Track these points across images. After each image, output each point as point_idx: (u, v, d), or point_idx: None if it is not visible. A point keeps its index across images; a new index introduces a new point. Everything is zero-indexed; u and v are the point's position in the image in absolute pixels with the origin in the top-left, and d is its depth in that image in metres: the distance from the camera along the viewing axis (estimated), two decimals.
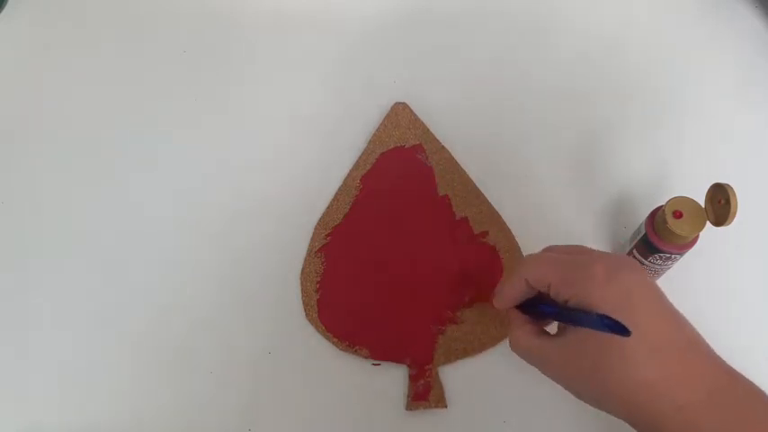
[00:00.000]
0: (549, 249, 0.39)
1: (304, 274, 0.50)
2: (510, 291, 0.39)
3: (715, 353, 0.34)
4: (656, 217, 0.45)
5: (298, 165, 0.54)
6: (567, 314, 0.36)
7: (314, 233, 0.51)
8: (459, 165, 0.53)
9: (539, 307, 0.38)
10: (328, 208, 0.52)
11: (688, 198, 0.44)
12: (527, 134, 0.56)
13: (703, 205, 0.43)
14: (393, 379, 0.47)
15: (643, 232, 0.45)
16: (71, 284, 0.50)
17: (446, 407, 0.45)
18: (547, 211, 0.52)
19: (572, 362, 0.35)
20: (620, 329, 0.31)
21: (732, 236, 0.46)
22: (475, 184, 0.53)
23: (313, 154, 0.54)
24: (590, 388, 0.34)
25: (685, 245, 0.45)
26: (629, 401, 0.33)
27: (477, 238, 0.51)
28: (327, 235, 0.51)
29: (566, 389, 0.36)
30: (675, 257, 0.45)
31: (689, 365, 0.33)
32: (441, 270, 0.50)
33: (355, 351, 0.47)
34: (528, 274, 0.37)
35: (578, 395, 0.36)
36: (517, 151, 0.55)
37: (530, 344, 0.37)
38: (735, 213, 0.41)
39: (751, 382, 0.34)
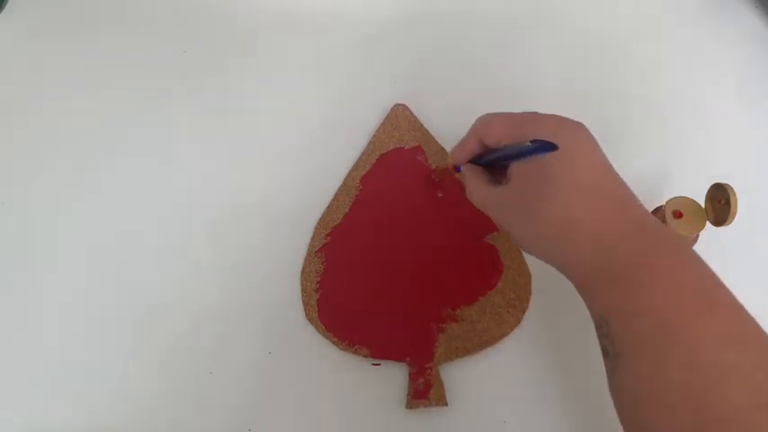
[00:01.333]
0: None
1: (304, 274, 0.50)
2: (464, 147, 0.42)
3: (645, 209, 0.37)
4: (656, 217, 0.45)
5: (298, 165, 0.54)
6: (506, 152, 0.39)
7: (314, 233, 0.51)
8: None
9: (486, 156, 0.41)
10: (328, 208, 0.52)
11: (688, 198, 0.44)
12: None
13: (703, 205, 0.43)
14: (393, 378, 0.47)
15: None
16: (71, 285, 0.50)
17: (447, 405, 0.46)
18: None
19: (513, 202, 0.38)
20: (548, 147, 0.34)
21: (732, 236, 0.46)
22: None
23: (313, 154, 0.54)
24: (525, 226, 0.37)
25: None
26: (557, 237, 0.36)
27: (477, 238, 0.51)
28: (327, 235, 0.51)
29: (509, 232, 0.39)
30: None
31: (615, 211, 0.36)
32: (440, 269, 0.50)
33: (355, 350, 0.47)
34: (480, 129, 0.41)
35: (514, 236, 0.39)
36: None
37: (482, 191, 0.41)
38: (735, 213, 0.41)
39: (674, 234, 0.36)
